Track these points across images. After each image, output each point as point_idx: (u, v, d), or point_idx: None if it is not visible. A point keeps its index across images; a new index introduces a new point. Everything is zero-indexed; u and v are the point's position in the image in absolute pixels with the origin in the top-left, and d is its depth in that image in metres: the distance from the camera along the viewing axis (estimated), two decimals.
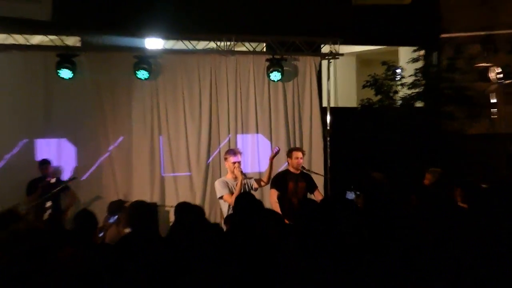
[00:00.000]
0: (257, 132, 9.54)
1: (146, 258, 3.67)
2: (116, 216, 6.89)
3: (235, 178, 6.98)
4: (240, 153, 7.10)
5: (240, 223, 4.72)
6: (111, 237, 6.56)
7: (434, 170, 7.38)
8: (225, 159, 7.07)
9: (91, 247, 4.21)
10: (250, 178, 7.25)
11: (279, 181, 7.33)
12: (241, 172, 6.92)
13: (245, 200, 5.18)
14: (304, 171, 7.48)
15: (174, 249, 3.77)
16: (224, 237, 4.05)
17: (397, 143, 9.82)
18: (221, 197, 6.94)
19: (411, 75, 10.73)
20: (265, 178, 7.29)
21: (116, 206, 7.48)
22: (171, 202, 8.69)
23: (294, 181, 7.34)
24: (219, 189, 6.96)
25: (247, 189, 7.09)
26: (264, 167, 8.69)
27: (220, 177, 8.34)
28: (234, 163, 6.98)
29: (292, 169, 7.45)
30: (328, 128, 9.54)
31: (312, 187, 7.47)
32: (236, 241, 3.77)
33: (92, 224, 4.87)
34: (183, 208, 5.08)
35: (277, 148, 7.25)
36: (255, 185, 7.23)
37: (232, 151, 7.15)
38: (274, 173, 7.68)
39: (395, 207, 4.98)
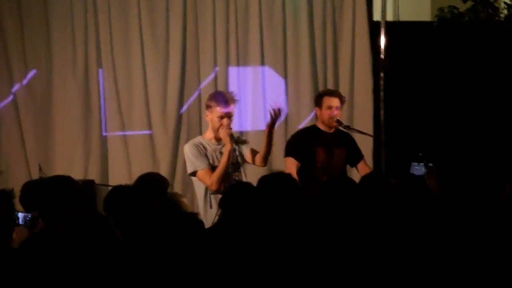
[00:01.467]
0: (263, 64, 7.83)
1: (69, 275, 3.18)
2: (30, 215, 5.15)
3: (220, 140, 5.67)
4: (234, 101, 5.77)
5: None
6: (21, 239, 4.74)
7: None
8: (208, 107, 5.75)
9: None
10: (244, 142, 5.89)
11: (301, 145, 6.14)
12: (231, 135, 5.58)
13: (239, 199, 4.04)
14: (343, 128, 6.32)
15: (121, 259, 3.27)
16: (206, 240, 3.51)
17: (498, 87, 8.05)
18: (193, 173, 5.62)
19: None
20: (261, 153, 5.77)
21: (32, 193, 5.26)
22: (117, 179, 7.14)
23: (326, 147, 6.15)
24: (191, 159, 5.64)
25: (237, 158, 5.78)
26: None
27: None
28: (222, 117, 5.63)
29: (322, 126, 6.23)
30: (383, 57, 7.81)
31: (356, 155, 6.36)
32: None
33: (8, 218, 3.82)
34: (142, 185, 4.56)
35: (277, 105, 5.75)
36: (247, 155, 5.77)
37: (221, 96, 5.78)
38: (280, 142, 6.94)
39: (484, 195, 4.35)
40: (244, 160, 5.80)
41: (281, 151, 6.91)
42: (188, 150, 5.63)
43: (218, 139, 5.61)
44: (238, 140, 5.73)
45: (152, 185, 4.64)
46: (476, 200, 4.43)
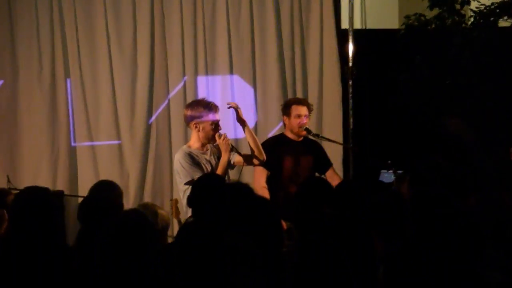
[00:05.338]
0: (231, 73, 7.87)
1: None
2: None
3: (206, 149, 5.67)
4: (218, 108, 5.77)
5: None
6: None
7: None
8: (196, 117, 5.64)
9: None
10: (236, 150, 5.98)
11: (269, 154, 6.01)
12: (232, 146, 5.70)
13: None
14: (311, 137, 6.35)
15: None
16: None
17: (467, 91, 7.98)
18: (189, 182, 5.43)
19: None
20: (256, 150, 5.84)
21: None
22: (86, 189, 6.20)
23: (293, 155, 6.21)
24: (187, 168, 5.54)
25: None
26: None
27: (172, 146, 7.50)
28: (216, 124, 5.64)
29: (290, 135, 6.31)
30: (350, 65, 7.82)
31: (324, 163, 6.40)
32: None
33: None
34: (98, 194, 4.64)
35: (231, 104, 5.95)
36: (237, 159, 5.81)
37: (209, 104, 5.74)
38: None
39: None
40: (232, 166, 5.84)
41: None
42: (181, 159, 5.55)
43: (204, 149, 5.60)
44: (234, 148, 5.76)
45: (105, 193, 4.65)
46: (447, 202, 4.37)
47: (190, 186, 5.28)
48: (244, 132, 5.77)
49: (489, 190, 5.16)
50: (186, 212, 5.45)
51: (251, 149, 5.77)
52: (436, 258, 3.16)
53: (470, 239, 3.25)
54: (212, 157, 5.63)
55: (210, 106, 5.67)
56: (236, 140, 7.51)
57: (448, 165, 5.47)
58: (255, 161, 5.83)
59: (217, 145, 5.67)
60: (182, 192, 5.51)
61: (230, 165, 5.76)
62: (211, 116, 5.61)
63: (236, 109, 5.74)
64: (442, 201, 4.26)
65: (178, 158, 5.54)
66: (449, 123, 6.69)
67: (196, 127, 5.61)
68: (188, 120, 5.64)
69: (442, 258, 3.16)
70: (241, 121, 5.74)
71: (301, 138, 6.17)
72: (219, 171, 5.50)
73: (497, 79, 7.91)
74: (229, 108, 5.84)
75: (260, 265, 2.47)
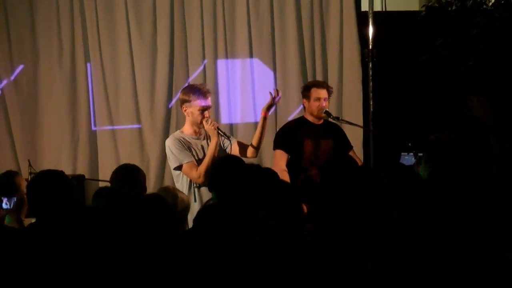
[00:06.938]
0: (251, 56, 7.83)
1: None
2: (14, 199, 5.21)
3: (199, 134, 5.62)
4: (210, 93, 5.69)
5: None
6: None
7: None
8: (185, 101, 5.58)
9: None
10: (225, 134, 5.73)
11: (289, 137, 6.10)
12: (218, 128, 5.50)
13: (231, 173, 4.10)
14: (332, 120, 6.28)
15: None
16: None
17: (488, 72, 7.77)
18: (178, 167, 5.49)
19: None
20: (254, 142, 5.74)
21: (11, 181, 5.55)
22: (107, 174, 6.59)
23: (313, 138, 6.10)
24: (175, 153, 5.54)
25: (217, 154, 5.65)
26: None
27: None
28: (204, 110, 5.52)
29: (310, 118, 6.21)
30: (370, 47, 7.80)
31: (344, 146, 6.33)
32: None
33: None
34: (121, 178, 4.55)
35: (275, 92, 5.77)
36: (235, 149, 5.68)
37: (199, 89, 5.62)
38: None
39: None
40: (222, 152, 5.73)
41: (271, 144, 6.96)
42: (171, 144, 5.55)
43: (198, 133, 5.59)
44: (225, 134, 5.69)
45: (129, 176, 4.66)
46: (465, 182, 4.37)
47: (181, 172, 5.46)
48: (261, 122, 5.74)
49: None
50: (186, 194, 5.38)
51: (257, 140, 5.75)
52: (454, 238, 3.22)
53: (488, 219, 3.37)
54: (207, 142, 5.65)
55: (200, 91, 5.64)
56: (231, 125, 7.59)
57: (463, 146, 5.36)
58: (249, 152, 5.81)
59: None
60: (175, 177, 5.58)
61: (223, 153, 5.70)
62: (199, 102, 5.57)
63: (274, 99, 5.68)
64: (458, 181, 4.28)
65: (168, 144, 5.57)
66: (472, 103, 6.59)
67: (185, 111, 5.62)
68: (180, 104, 5.66)
69: (460, 238, 3.25)
70: (265, 113, 5.69)
71: (321, 121, 6.08)
72: (207, 156, 5.48)
73: None
74: (274, 95, 5.76)
75: (279, 240, 2.45)
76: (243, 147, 5.66)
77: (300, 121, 6.28)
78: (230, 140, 5.63)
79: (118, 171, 4.78)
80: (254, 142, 5.67)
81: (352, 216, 3.41)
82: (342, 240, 3.18)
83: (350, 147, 6.26)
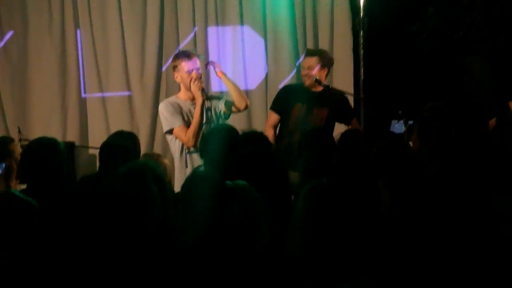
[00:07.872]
0: (242, 24, 7.75)
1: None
2: (3, 165, 5.40)
3: (193, 98, 5.60)
4: (197, 56, 5.73)
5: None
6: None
7: None
8: (174, 68, 5.68)
9: None
10: (217, 97, 5.88)
11: (282, 99, 6.14)
12: (203, 89, 5.53)
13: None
14: (322, 86, 6.11)
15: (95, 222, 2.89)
16: None
17: (479, 43, 7.64)
18: (169, 131, 5.54)
19: None
20: (235, 99, 5.74)
21: (4, 147, 5.64)
22: (97, 141, 6.93)
23: (305, 104, 6.01)
24: (167, 117, 5.59)
25: (211, 117, 5.71)
26: (254, 81, 7.61)
27: None
28: (190, 71, 5.57)
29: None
30: (361, 15, 7.67)
31: (345, 116, 6.27)
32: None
33: None
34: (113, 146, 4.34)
35: (210, 61, 6.08)
36: (224, 109, 5.77)
37: (182, 52, 5.80)
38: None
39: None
40: (217, 116, 5.76)
41: (261, 109, 7.17)
42: (163, 108, 5.57)
43: (192, 99, 5.57)
44: (211, 96, 5.69)
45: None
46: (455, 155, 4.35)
47: (173, 135, 5.45)
48: (225, 83, 5.80)
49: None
50: (178, 159, 5.56)
51: (236, 96, 5.75)
52: (445, 209, 3.12)
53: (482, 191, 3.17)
54: None
55: (184, 54, 5.67)
56: (222, 92, 7.44)
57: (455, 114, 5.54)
58: (237, 104, 5.78)
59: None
60: (169, 141, 5.61)
61: (221, 115, 5.74)
62: (184, 64, 5.60)
63: (213, 65, 5.78)
64: (449, 150, 4.32)
65: (160, 108, 5.59)
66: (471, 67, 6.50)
67: (177, 78, 5.65)
68: (173, 73, 5.68)
69: (452, 209, 3.11)
70: (221, 75, 5.75)
71: (321, 89, 6.04)
72: (194, 119, 5.50)
73: (510, 32, 7.69)
74: (207, 67, 5.96)
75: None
76: (229, 106, 5.72)
77: (296, 86, 6.31)
78: (221, 100, 5.64)
79: (115, 134, 4.78)
80: (235, 99, 5.69)
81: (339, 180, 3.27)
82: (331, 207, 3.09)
83: (351, 117, 6.20)
